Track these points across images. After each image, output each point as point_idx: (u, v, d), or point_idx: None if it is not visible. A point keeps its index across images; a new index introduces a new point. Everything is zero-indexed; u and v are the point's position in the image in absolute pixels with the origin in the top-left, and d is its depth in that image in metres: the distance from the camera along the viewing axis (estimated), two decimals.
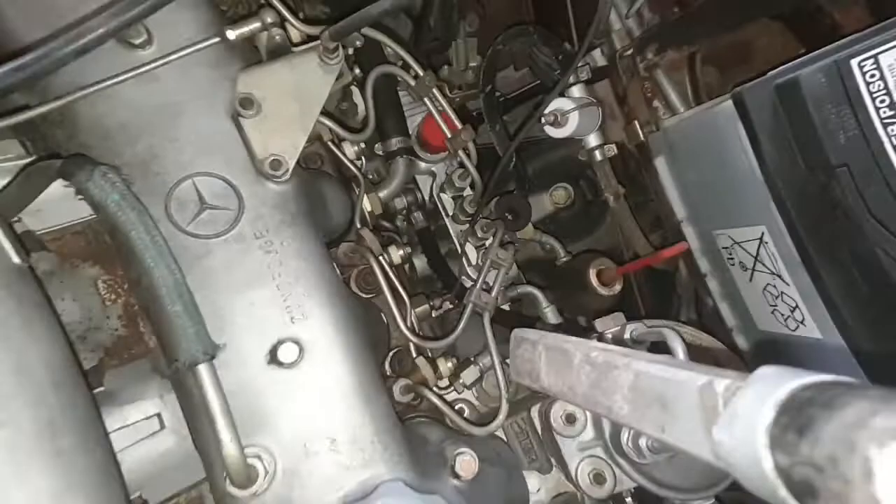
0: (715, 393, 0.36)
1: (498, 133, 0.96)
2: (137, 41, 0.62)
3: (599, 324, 0.79)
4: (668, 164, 0.85)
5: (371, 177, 0.94)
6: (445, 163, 0.97)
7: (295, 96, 0.65)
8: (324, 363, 0.62)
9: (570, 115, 0.89)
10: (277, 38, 0.67)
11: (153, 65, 0.60)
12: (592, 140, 0.95)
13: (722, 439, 0.34)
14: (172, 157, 0.62)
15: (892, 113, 0.57)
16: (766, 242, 0.71)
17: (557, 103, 0.89)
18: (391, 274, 0.75)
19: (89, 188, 0.52)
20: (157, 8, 0.55)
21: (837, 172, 0.60)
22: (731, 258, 0.78)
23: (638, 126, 0.89)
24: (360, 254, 0.74)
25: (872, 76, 0.57)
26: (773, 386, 0.32)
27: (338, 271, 0.67)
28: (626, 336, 0.76)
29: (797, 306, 0.69)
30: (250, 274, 0.61)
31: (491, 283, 0.81)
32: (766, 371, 0.33)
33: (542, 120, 0.89)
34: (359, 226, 0.77)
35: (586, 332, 0.81)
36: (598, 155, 0.95)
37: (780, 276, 0.70)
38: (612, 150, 0.95)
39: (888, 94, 0.57)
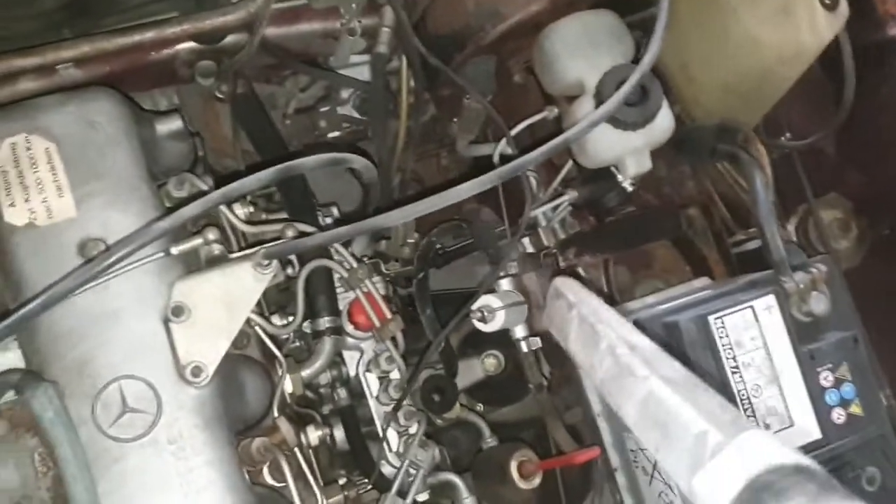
0: (705, 445, 0.47)
1: (428, 318, 1.11)
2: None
3: None
4: None
5: (298, 344, 1.05)
6: (374, 340, 1.09)
7: (225, 302, 0.78)
8: None
9: (497, 312, 1.05)
10: (216, 251, 0.82)
11: (107, 277, 0.74)
12: (519, 332, 1.10)
13: (698, 491, 0.46)
14: (105, 359, 0.74)
15: (735, 364, 0.78)
16: None
17: (485, 300, 1.05)
18: (304, 466, 0.85)
19: (32, 403, 0.68)
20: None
21: None
22: (636, 461, 0.92)
23: None
24: (272, 452, 0.85)
25: (722, 333, 0.78)
26: (748, 459, 0.44)
27: (246, 476, 0.77)
28: None
29: None
30: (159, 480, 0.72)
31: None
32: (748, 439, 0.45)
33: (470, 316, 1.04)
34: (276, 414, 0.88)
35: None
36: (523, 346, 1.10)
37: (670, 487, 0.85)
38: (537, 342, 1.09)
39: (731, 348, 0.78)
